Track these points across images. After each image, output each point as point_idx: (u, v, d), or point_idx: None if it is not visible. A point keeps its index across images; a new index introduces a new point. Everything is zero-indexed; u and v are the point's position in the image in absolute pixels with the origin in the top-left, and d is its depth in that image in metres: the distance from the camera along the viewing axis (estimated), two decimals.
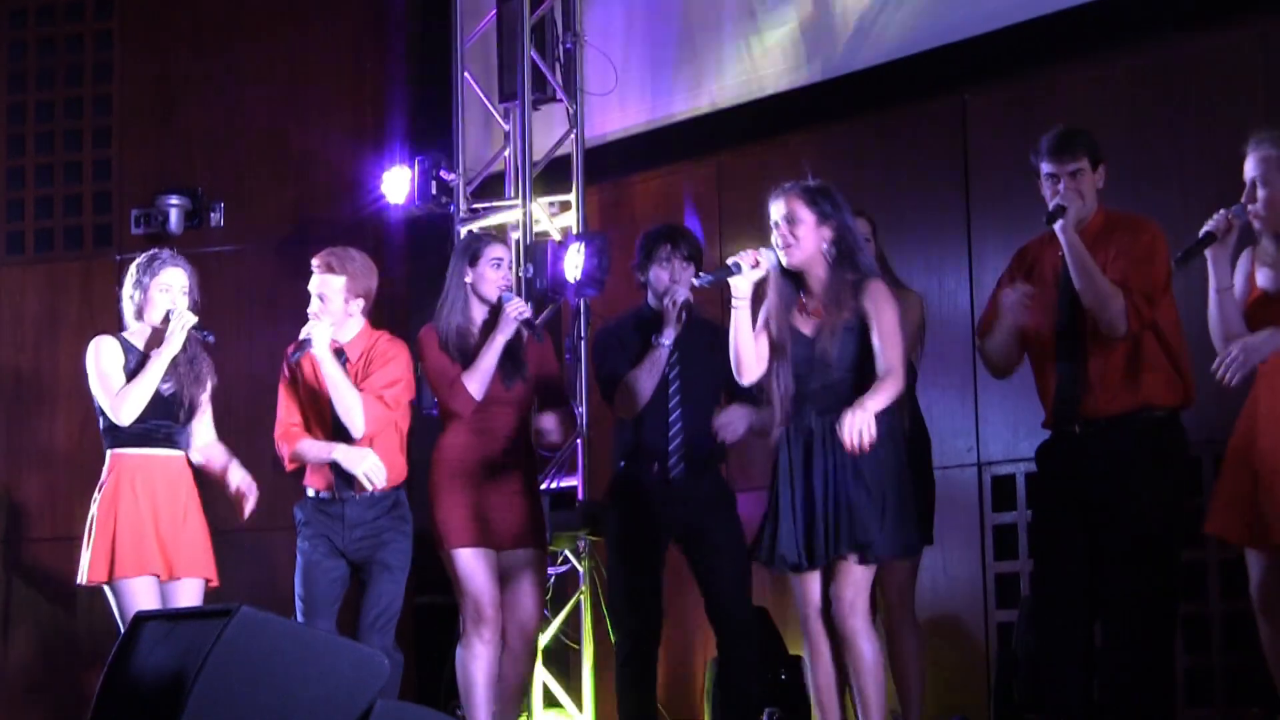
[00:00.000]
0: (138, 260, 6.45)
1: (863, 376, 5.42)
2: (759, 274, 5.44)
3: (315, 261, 6.43)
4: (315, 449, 6.39)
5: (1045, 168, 5.64)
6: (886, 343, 5.40)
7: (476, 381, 6.24)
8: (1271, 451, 5.23)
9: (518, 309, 6.27)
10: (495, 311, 6.32)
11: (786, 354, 5.48)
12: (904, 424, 5.57)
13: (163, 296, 6.37)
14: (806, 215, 5.47)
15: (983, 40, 7.76)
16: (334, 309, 6.38)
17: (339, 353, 6.37)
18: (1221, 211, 5.28)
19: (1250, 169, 5.28)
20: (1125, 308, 5.45)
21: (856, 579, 5.37)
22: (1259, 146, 5.28)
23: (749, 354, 5.48)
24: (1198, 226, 5.34)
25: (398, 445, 6.46)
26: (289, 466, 6.48)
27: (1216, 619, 7.01)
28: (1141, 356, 5.53)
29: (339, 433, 6.36)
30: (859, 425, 5.19)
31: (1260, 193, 5.26)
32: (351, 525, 6.36)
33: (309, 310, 6.38)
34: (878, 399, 5.29)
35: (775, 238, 5.49)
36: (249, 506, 6.44)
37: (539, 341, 6.40)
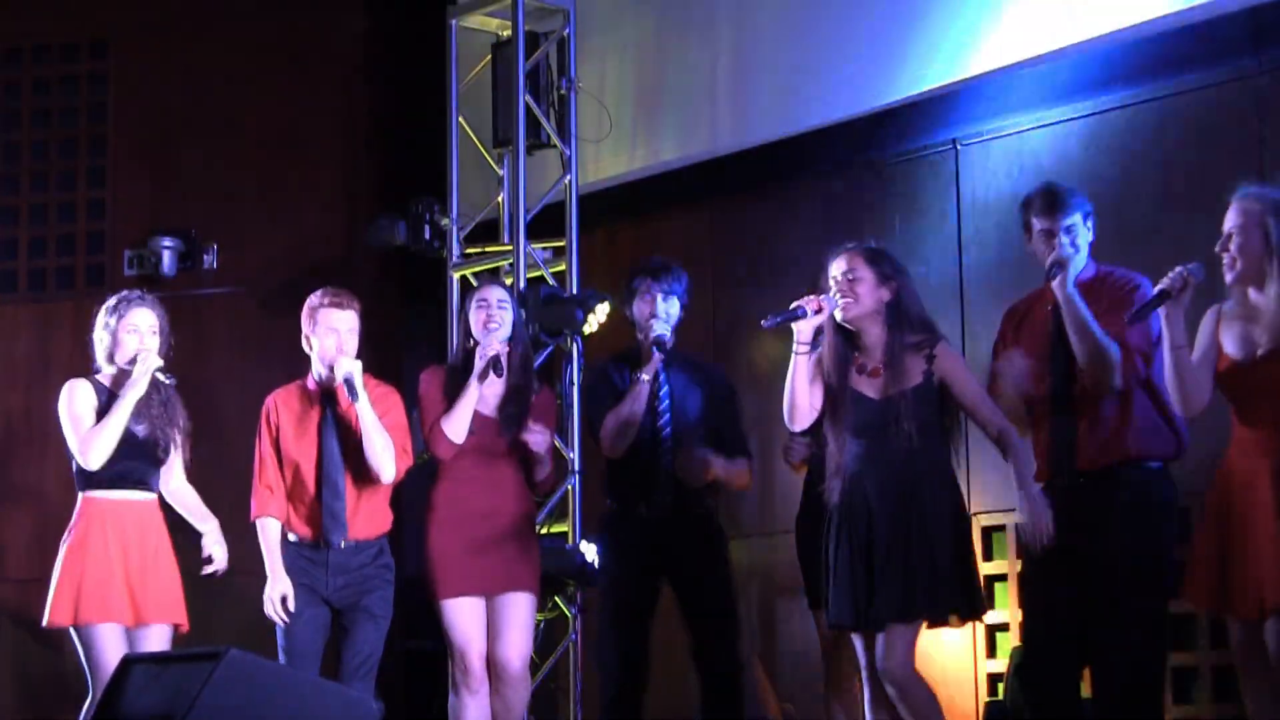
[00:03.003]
0: (106, 303, 6.40)
1: (935, 442, 5.47)
2: (821, 319, 5.47)
3: (324, 300, 6.30)
4: (267, 549, 6.28)
5: (1038, 224, 5.65)
6: (983, 407, 5.50)
7: (451, 425, 6.20)
8: (1242, 522, 5.22)
9: (486, 348, 6.19)
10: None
11: (843, 410, 5.49)
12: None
13: (131, 338, 6.31)
14: (867, 274, 5.50)
15: (976, 87, 7.79)
16: (351, 346, 6.30)
17: (331, 394, 6.33)
18: (1178, 269, 5.25)
19: (1230, 220, 5.28)
20: (1121, 363, 5.47)
21: (906, 633, 5.39)
22: (1243, 199, 5.28)
23: (804, 400, 5.50)
24: None
25: (386, 495, 6.41)
26: (252, 519, 6.40)
27: (1206, 670, 7.01)
28: (1131, 410, 5.54)
29: (326, 480, 6.29)
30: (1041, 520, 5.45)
31: (1235, 241, 5.25)
32: (335, 572, 6.29)
33: (330, 349, 6.23)
34: (1024, 469, 5.50)
35: (834, 292, 5.51)
36: (217, 569, 6.40)
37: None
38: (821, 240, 8.31)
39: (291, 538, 6.31)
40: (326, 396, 6.32)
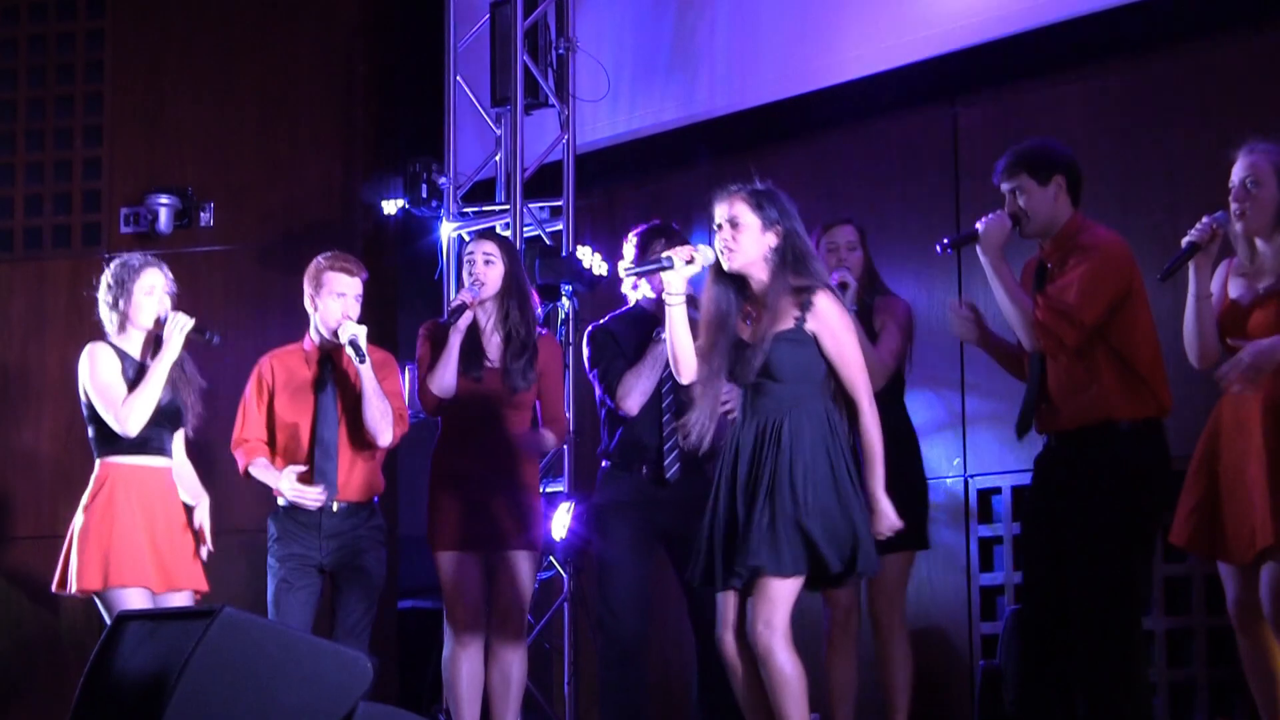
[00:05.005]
0: (110, 269, 6.38)
1: (811, 391, 5.22)
2: (693, 270, 5.26)
3: (333, 264, 6.36)
4: (267, 477, 6.33)
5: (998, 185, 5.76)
6: (849, 368, 5.21)
7: (436, 379, 6.26)
8: (1233, 468, 5.24)
9: (457, 298, 6.29)
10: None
11: (715, 362, 5.26)
12: (847, 439, 5.26)
13: (148, 299, 6.30)
14: (750, 219, 5.28)
15: (974, 52, 7.77)
16: (355, 311, 6.34)
17: (328, 356, 6.36)
18: (1205, 219, 5.29)
19: (1241, 170, 5.27)
20: (1033, 321, 5.52)
21: (775, 595, 5.11)
22: (1253, 152, 5.28)
23: (686, 352, 5.28)
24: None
25: (379, 458, 6.43)
26: (242, 474, 6.43)
27: (1200, 633, 7.02)
28: (1096, 370, 5.55)
29: (319, 441, 6.30)
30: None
31: (1248, 190, 5.24)
32: (328, 536, 6.31)
33: (336, 312, 6.30)
34: (873, 462, 5.21)
35: (717, 239, 5.31)
36: (202, 551, 6.37)
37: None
38: (822, 201, 8.32)
39: (282, 502, 6.33)
40: (324, 358, 6.33)
